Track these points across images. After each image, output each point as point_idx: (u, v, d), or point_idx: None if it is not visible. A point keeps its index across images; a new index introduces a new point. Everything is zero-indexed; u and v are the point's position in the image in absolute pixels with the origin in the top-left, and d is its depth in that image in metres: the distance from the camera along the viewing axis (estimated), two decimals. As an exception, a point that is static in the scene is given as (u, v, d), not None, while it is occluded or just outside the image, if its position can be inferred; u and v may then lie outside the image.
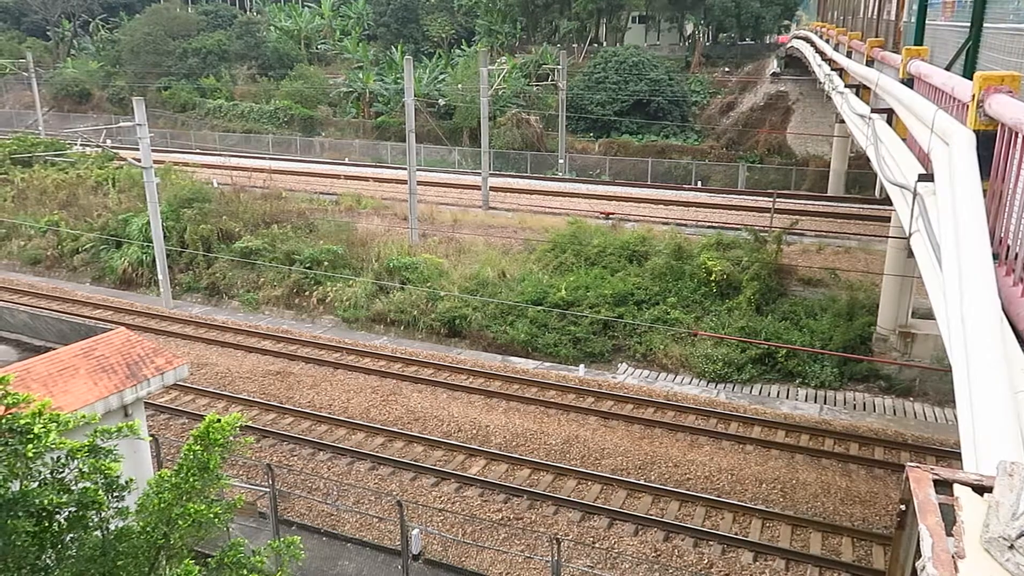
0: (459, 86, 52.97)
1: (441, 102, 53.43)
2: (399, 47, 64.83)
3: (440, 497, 16.27)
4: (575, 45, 62.86)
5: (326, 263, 27.81)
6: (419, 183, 32.17)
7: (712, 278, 24.20)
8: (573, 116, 48.57)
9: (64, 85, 68.50)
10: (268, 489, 15.01)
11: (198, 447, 7.22)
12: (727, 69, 58.12)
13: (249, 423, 18.12)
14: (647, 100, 51.23)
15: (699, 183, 42.58)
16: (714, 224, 31.56)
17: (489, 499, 16.19)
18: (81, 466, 7.04)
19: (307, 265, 27.73)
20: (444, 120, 53.68)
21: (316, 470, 17.36)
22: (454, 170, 45.82)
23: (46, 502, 6.74)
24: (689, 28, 67.18)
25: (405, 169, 32.17)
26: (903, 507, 2.88)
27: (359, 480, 16.96)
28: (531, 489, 16.28)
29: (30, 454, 6.56)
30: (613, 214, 33.27)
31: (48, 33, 78.73)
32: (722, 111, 52.95)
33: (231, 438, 7.47)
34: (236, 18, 74.23)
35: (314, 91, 61.69)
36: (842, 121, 29.36)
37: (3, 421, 6.62)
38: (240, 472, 17.14)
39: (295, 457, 17.92)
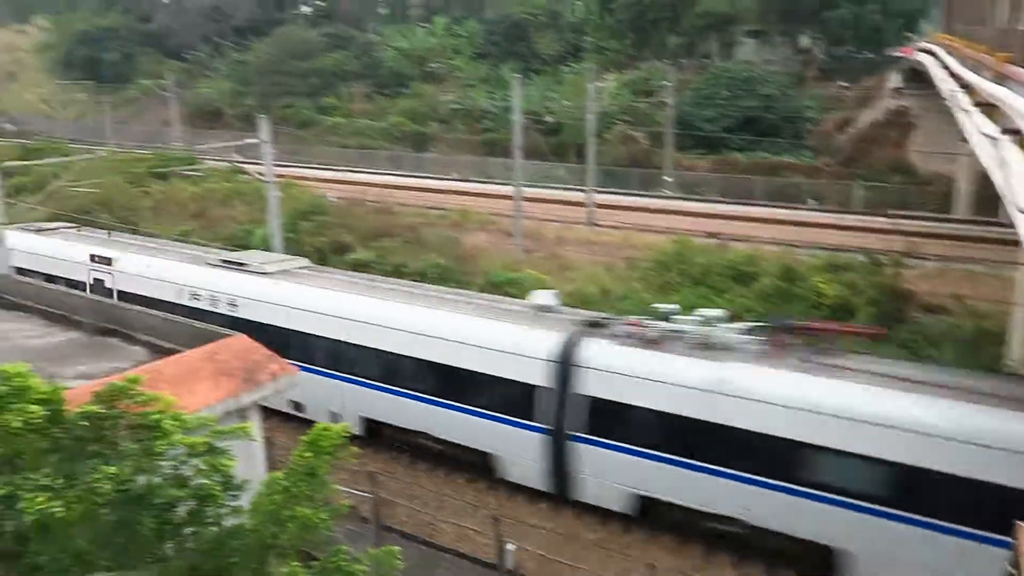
0: (566, 103, 53.29)
1: (549, 119, 53.87)
2: (509, 65, 65.89)
3: (536, 513, 16.34)
4: (684, 61, 62.07)
5: (433, 276, 28.52)
6: (525, 199, 32.55)
7: (824, 301, 23.26)
8: (681, 133, 47.91)
9: (198, 104, 73.41)
10: (371, 495, 15.52)
11: (308, 453, 7.61)
12: (844, 84, 55.85)
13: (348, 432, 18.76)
14: (758, 116, 49.93)
15: (812, 202, 41.05)
16: (827, 245, 30.33)
17: (585, 519, 16.13)
18: (200, 464, 7.53)
19: (415, 278, 28.50)
20: (551, 137, 54.07)
21: (416, 479, 17.80)
22: (560, 186, 46.02)
23: (168, 496, 7.27)
24: (804, 42, 65.00)
25: (511, 185, 32.63)
26: (1013, 570, 2.74)
27: (457, 491, 17.27)
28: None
29: (158, 450, 7.06)
30: (720, 233, 32.56)
31: (186, 56, 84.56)
32: (838, 127, 50.87)
33: (338, 446, 7.82)
34: (355, 39, 77.50)
35: (426, 108, 63.53)
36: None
37: (135, 418, 7.17)
38: (345, 477, 17.78)
39: (397, 465, 18.44)
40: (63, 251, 25.15)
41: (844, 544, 13.42)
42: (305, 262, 22.99)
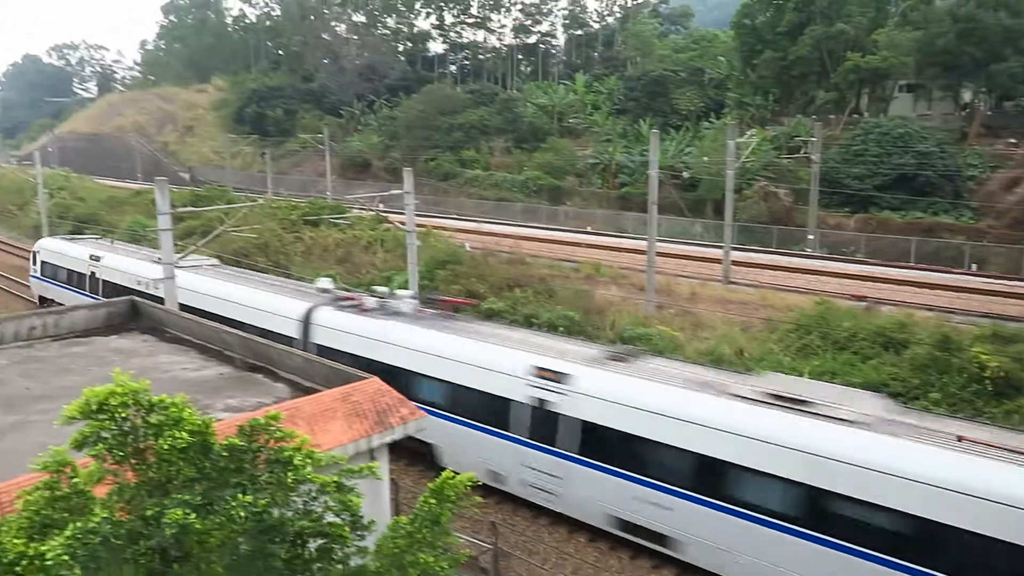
0: (705, 158, 52.59)
1: (686, 174, 53.31)
2: (647, 120, 66.03)
3: (659, 580, 15.66)
4: (832, 116, 59.88)
5: (562, 328, 28.50)
6: (658, 254, 32.11)
7: (986, 375, 21.25)
8: (827, 190, 46.02)
9: (350, 156, 78.20)
10: (491, 546, 15.43)
11: (432, 500, 7.67)
12: (1013, 140, 51.95)
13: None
14: (913, 174, 47.19)
15: (974, 266, 38.02)
16: (991, 314, 27.87)
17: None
18: (329, 501, 7.74)
19: (544, 329, 28.61)
20: (688, 192, 53.42)
21: (537, 533, 17.54)
22: (695, 242, 45.18)
23: (299, 529, 7.50)
24: (967, 96, 61.17)
25: (645, 240, 32.32)
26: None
27: (578, 551, 16.85)
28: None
29: (290, 482, 7.34)
30: (868, 296, 30.68)
31: (341, 111, 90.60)
32: (1005, 186, 47.18)
33: (462, 495, 7.84)
34: (497, 96, 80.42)
35: (563, 162, 64.58)
36: None
37: (271, 452, 7.50)
38: (466, 525, 17.80)
39: (518, 516, 18.27)
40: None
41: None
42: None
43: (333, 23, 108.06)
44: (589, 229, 51.20)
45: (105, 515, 6.30)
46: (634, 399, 15.92)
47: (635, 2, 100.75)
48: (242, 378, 14.25)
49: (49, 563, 5.85)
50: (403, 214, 29.45)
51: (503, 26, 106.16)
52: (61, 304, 33.27)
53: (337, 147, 75.79)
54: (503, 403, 18.00)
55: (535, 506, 18.53)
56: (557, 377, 17.12)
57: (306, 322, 22.80)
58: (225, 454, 7.04)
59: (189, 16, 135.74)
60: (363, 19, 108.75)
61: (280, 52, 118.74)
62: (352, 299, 23.55)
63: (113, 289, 30.18)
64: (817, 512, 13.46)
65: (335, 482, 7.63)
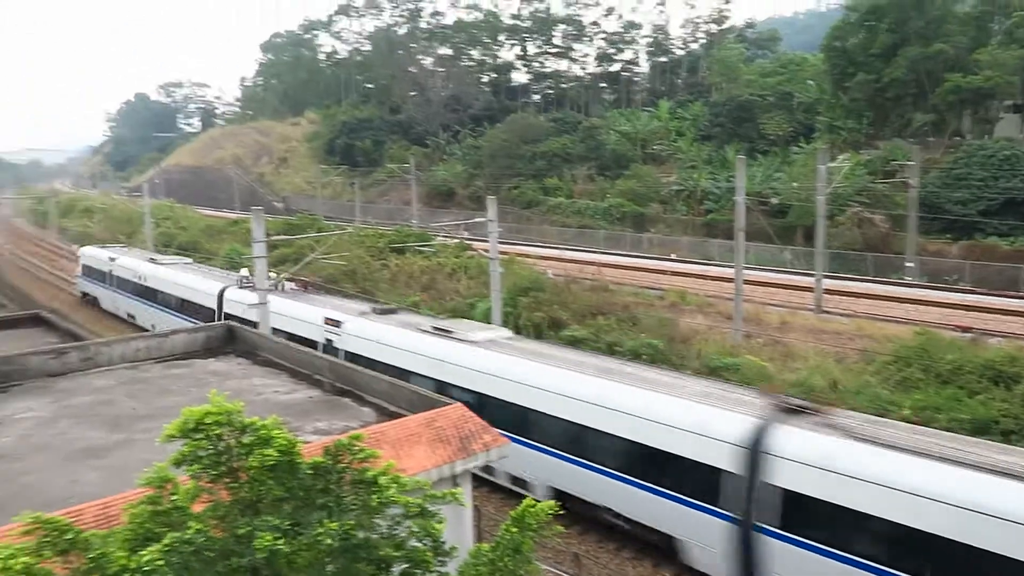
0: (795, 184, 51.21)
1: (774, 200, 52.01)
2: (733, 146, 64.92)
3: (748, 621, 15.02)
4: (931, 139, 57.36)
5: (645, 356, 28.07)
6: (746, 282, 31.35)
7: (1110, 413, 19.72)
8: (926, 216, 43.98)
9: (435, 185, 79.83)
10: (573, 577, 15.17)
11: (514, 528, 7.60)
12: None
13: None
14: (1022, 199, 44.62)
15: (1093, 296, 35.51)
16: (1114, 347, 25.90)
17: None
18: (413, 526, 7.77)
19: (628, 357, 28.24)
20: (776, 218, 52.05)
21: (621, 568, 17.16)
22: (784, 270, 43.90)
23: (383, 553, 7.56)
24: (1082, 116, 57.63)
25: (732, 267, 31.62)
26: None
27: (662, 586, 16.40)
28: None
29: (374, 504, 7.41)
30: (973, 327, 29.02)
31: (427, 142, 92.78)
32: None
33: (544, 524, 7.75)
34: (580, 124, 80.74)
35: (646, 189, 64.09)
36: None
37: (356, 473, 7.61)
38: (548, 555, 17.58)
39: (602, 549, 17.93)
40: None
41: None
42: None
43: (420, 56, 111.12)
44: (674, 256, 50.48)
45: (200, 527, 6.52)
46: (381, 338, 24.17)
47: (720, 28, 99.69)
48: (330, 402, 14.58)
49: (148, 571, 6.08)
50: (486, 241, 29.79)
51: (586, 55, 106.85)
52: (95, 296, 48.24)
53: (423, 176, 77.49)
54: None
55: (620, 538, 18.15)
56: (336, 324, 25.94)
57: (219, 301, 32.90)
58: (310, 472, 7.18)
59: (285, 54, 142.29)
60: (449, 51, 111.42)
61: (369, 86, 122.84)
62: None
63: (119, 281, 43.67)
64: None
65: (419, 506, 7.67)
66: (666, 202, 62.90)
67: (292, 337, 23.82)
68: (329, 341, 25.72)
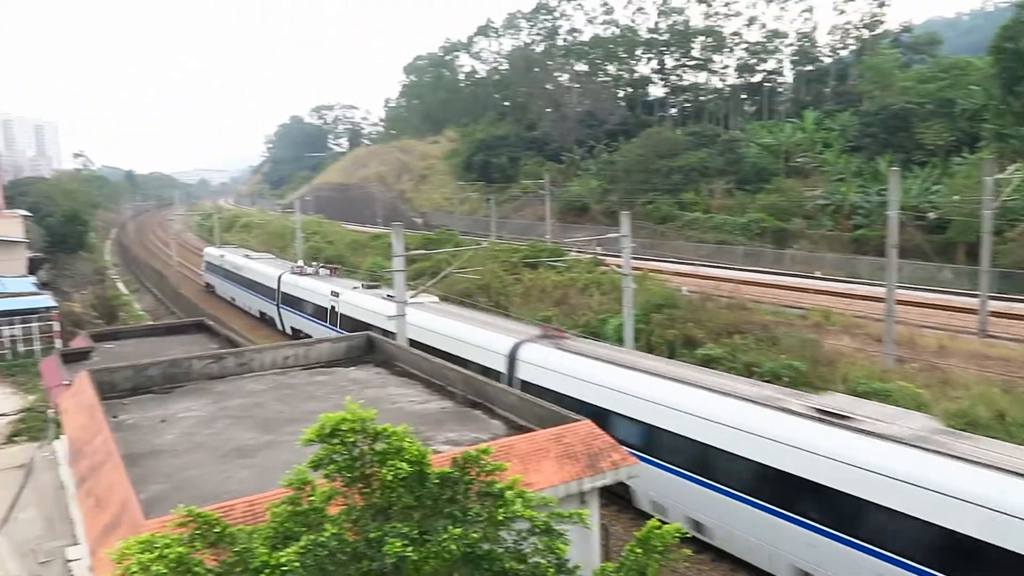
0: (956, 197, 47.47)
1: (932, 215, 48.44)
2: (886, 157, 61.10)
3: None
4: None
5: (786, 378, 26.80)
6: (898, 302, 29.32)
7: None
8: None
9: (568, 200, 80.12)
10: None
11: (639, 550, 7.43)
12: None
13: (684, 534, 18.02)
14: None
15: None
16: None
17: None
18: (537, 542, 7.77)
19: (766, 379, 27.07)
20: (934, 234, 48.45)
21: (755, 598, 16.38)
22: (943, 290, 40.71)
23: (507, 566, 7.59)
24: None
25: (883, 286, 29.69)
26: None
27: (801, 622, 15.48)
28: None
29: (499, 517, 7.47)
30: None
31: (562, 157, 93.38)
32: None
33: (670, 547, 7.53)
34: (719, 137, 78.66)
35: (789, 204, 61.46)
36: None
37: (482, 485, 7.70)
38: (678, 580, 17.08)
39: (734, 578, 17.21)
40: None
41: None
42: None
43: (556, 73, 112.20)
44: (818, 274, 48.05)
45: (335, 531, 6.81)
46: (363, 303, 33.69)
47: (873, 33, 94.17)
48: (462, 413, 14.88)
49: (285, 570, 6.41)
50: (620, 257, 29.53)
51: (726, 66, 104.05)
52: (213, 285, 60.93)
53: (557, 192, 77.99)
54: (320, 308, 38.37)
55: (753, 568, 17.35)
56: (336, 295, 36.09)
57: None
58: (438, 482, 7.34)
59: (427, 75, 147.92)
60: (585, 67, 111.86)
61: (506, 103, 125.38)
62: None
63: (225, 272, 56.50)
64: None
65: (544, 523, 7.66)
66: (810, 217, 60.02)
67: (297, 301, 41.42)
68: (333, 307, 36.65)
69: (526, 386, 21.48)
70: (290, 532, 6.95)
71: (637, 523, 18.31)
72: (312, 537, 6.63)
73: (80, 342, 24.83)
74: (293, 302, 41.92)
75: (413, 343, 24.42)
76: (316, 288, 39.17)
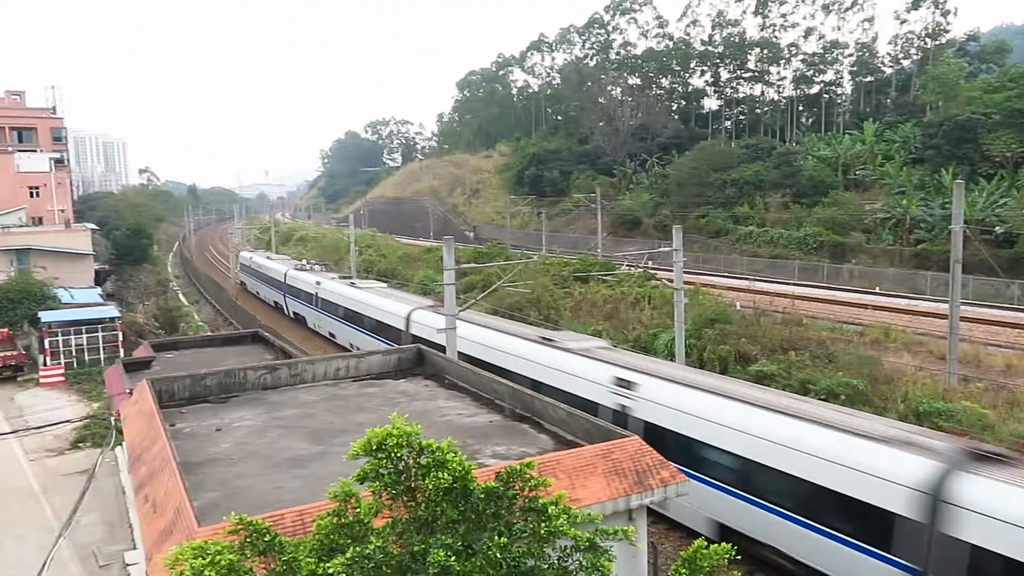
0: (1025, 210, 45.83)
1: (998, 229, 46.77)
2: (950, 169, 59.27)
3: None
4: None
5: (843, 397, 26.09)
6: (963, 319, 28.33)
7: None
8: None
9: (620, 214, 79.72)
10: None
11: (684, 570, 7.30)
12: None
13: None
14: None
15: None
16: None
17: None
18: (582, 559, 7.68)
19: (822, 396, 26.40)
20: (1002, 249, 46.75)
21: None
22: (1011, 307, 39.22)
23: (553, 584, 7.53)
24: None
25: (946, 302, 28.74)
26: None
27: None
28: None
29: (543, 533, 7.43)
30: None
31: (614, 171, 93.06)
32: None
33: (718, 568, 7.38)
34: (775, 149, 77.38)
35: (848, 217, 60.07)
36: None
37: (527, 500, 7.67)
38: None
39: (787, 602, 16.74)
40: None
41: None
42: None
43: (609, 87, 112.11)
44: (877, 289, 46.78)
45: (379, 543, 6.86)
46: (342, 291, 43.06)
47: (937, 43, 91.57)
48: (509, 427, 14.87)
49: (331, 581, 6.49)
50: (671, 271, 29.23)
51: (782, 78, 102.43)
52: (244, 283, 69.84)
53: (608, 206, 77.70)
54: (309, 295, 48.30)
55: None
56: (319, 284, 46.70)
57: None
58: (483, 496, 7.34)
59: (480, 90, 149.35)
60: (638, 81, 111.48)
61: (558, 117, 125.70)
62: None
63: (253, 272, 65.86)
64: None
65: (589, 540, 7.58)
66: (870, 231, 58.54)
67: (296, 290, 51.29)
68: (316, 293, 46.43)
69: (416, 340, 29.19)
70: (336, 544, 7.03)
71: (687, 542, 17.98)
72: (357, 549, 6.69)
73: (142, 351, 25.63)
74: (295, 292, 52.04)
75: (351, 313, 40.84)
76: (301, 278, 51.03)
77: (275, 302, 58.15)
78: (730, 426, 17.59)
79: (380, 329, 36.46)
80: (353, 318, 40.49)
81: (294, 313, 52.03)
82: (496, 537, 7.07)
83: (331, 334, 44.41)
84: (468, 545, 7.00)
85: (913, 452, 14.36)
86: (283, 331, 44.62)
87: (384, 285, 45.51)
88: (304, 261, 60.25)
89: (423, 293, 45.04)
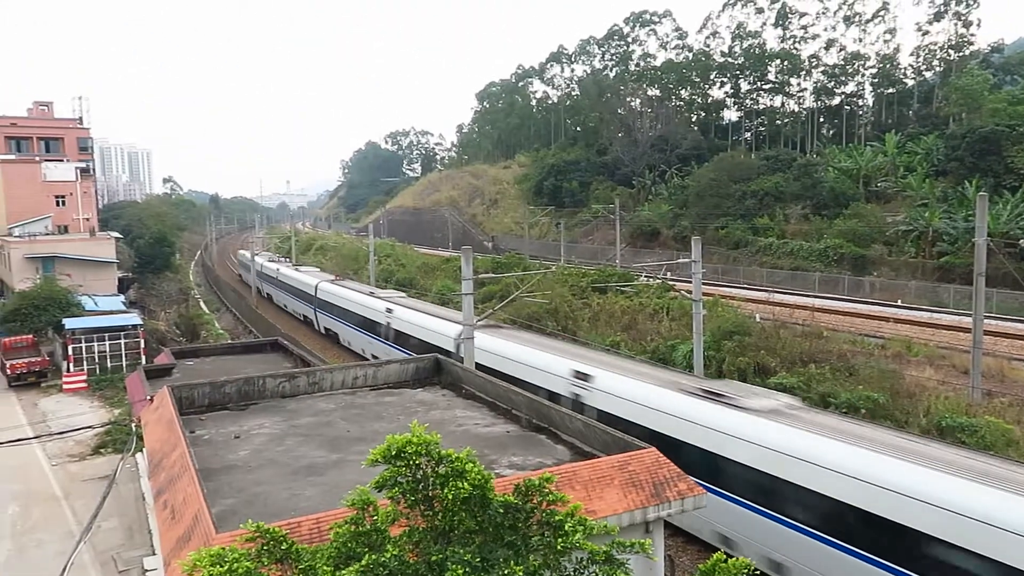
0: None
1: (1023, 242, 46.16)
2: (973, 181, 58.60)
3: None
4: None
5: (864, 411, 25.81)
6: (987, 333, 27.96)
7: None
8: None
9: (639, 225, 79.53)
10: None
11: (702, 585, 7.25)
12: None
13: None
14: None
15: None
16: None
17: None
18: (598, 571, 7.65)
19: (843, 410, 26.13)
20: (1027, 262, 46.08)
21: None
22: (1037, 321, 38.64)
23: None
24: None
25: (969, 315, 28.37)
26: None
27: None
28: None
29: (559, 547, 7.40)
30: None
31: (633, 182, 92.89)
32: None
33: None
34: (795, 161, 76.92)
35: (869, 229, 59.53)
36: None
37: (544, 514, 7.65)
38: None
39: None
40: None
41: None
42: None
43: (628, 98, 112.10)
44: (899, 302, 46.29)
45: (396, 552, 6.87)
46: (338, 292, 48.35)
47: (960, 54, 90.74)
48: (526, 437, 14.84)
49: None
50: (690, 283, 29.11)
51: (803, 89, 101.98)
52: (258, 285, 74.10)
53: (627, 217, 77.54)
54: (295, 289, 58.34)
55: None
56: (315, 287, 52.32)
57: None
58: (500, 509, 7.33)
59: (500, 101, 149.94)
60: (657, 92, 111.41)
61: (577, 128, 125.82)
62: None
63: (264, 276, 72.31)
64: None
65: (605, 553, 7.55)
66: (891, 243, 57.97)
67: (289, 287, 60.93)
68: (313, 293, 51.92)
69: (397, 333, 34.39)
70: (352, 552, 7.05)
71: (704, 555, 17.82)
72: (373, 557, 6.71)
73: (163, 359, 25.88)
74: (283, 287, 62.55)
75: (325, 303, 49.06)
76: (295, 276, 60.05)
77: (304, 316, 57.34)
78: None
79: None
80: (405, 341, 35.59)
81: (325, 328, 51.25)
82: (513, 553, 7.06)
83: (373, 355, 38.97)
84: (484, 559, 6.99)
85: None
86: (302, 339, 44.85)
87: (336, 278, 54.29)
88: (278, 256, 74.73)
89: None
